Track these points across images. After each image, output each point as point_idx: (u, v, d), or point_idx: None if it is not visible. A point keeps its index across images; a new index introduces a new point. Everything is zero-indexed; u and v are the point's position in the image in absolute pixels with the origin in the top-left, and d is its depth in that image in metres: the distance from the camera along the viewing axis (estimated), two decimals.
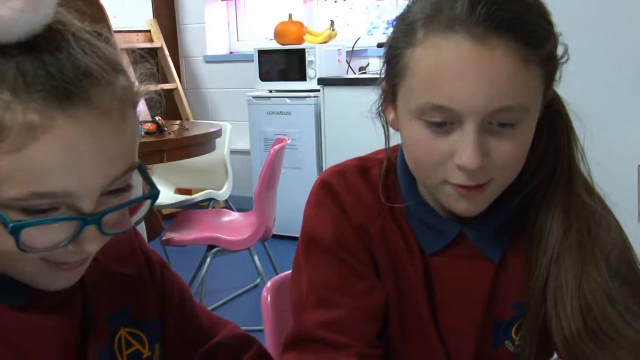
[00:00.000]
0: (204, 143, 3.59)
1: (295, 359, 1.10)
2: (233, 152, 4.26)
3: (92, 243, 0.83)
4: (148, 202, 0.90)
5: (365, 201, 1.15)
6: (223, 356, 1.13)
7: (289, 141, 3.51)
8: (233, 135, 4.24)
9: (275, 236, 3.62)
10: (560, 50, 1.03)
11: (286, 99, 4.87)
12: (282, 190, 3.47)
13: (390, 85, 1.03)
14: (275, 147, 3.36)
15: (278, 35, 5.19)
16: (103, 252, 0.89)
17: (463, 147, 0.96)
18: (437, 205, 1.11)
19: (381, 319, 1.14)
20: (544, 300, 1.09)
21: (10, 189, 0.77)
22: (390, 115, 1.08)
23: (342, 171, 1.18)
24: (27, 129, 0.74)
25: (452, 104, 0.95)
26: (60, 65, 0.77)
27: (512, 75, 0.95)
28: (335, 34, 5.11)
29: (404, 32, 0.99)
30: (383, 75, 1.06)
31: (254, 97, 5.03)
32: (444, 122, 0.97)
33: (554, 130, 1.10)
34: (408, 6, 1.01)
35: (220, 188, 4.05)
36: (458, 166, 0.98)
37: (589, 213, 1.09)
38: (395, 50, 1.00)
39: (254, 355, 1.14)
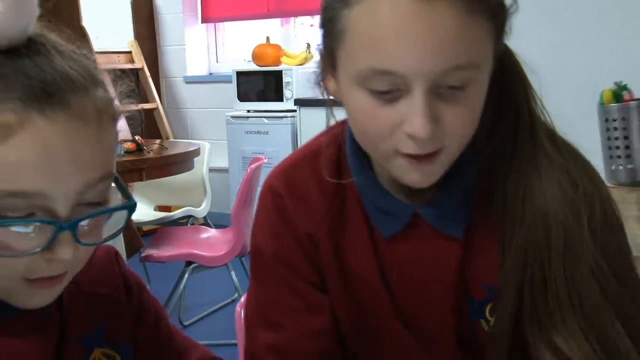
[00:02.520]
0: (182, 161, 3.63)
1: None
2: (212, 170, 4.29)
3: (67, 251, 0.81)
4: (124, 214, 0.88)
5: (313, 203, 1.08)
6: None
7: (265, 160, 3.52)
8: (212, 154, 4.29)
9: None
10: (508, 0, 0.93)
11: (264, 118, 4.89)
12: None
13: (329, 51, 0.94)
14: (252, 166, 3.37)
15: (256, 57, 5.22)
16: (83, 273, 0.89)
17: (412, 115, 0.87)
18: (391, 182, 1.04)
19: (330, 335, 1.10)
20: (522, 283, 0.99)
21: None
22: (331, 84, 0.99)
23: (287, 169, 1.12)
24: (3, 127, 0.74)
25: (395, 67, 0.85)
26: (39, 69, 0.77)
27: (459, 30, 0.84)
28: (312, 57, 5.13)
29: None
30: (321, 41, 0.96)
31: (233, 116, 5.05)
32: (389, 88, 0.88)
33: (508, 86, 1.00)
34: None
35: (199, 205, 4.06)
36: (408, 135, 0.89)
37: (563, 172, 0.99)
38: (330, 12, 0.90)
39: None
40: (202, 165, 4.10)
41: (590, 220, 0.97)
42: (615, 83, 2.67)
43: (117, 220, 0.89)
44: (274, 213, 1.10)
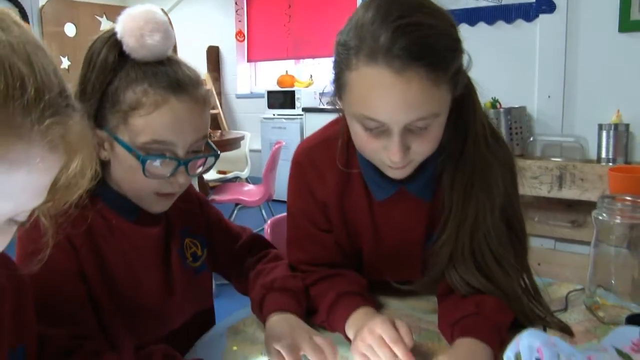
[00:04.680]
0: (234, 143, 3.58)
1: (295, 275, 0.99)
2: (251, 150, 4.25)
3: (182, 177, 0.83)
4: (213, 160, 0.89)
5: (327, 177, 0.98)
6: (248, 256, 1.07)
7: (283, 144, 3.53)
8: (251, 141, 4.22)
9: (274, 200, 3.54)
10: (465, 60, 0.83)
11: (283, 119, 4.86)
12: (279, 173, 3.49)
13: (337, 90, 0.86)
14: (276, 146, 3.39)
15: (279, 82, 5.19)
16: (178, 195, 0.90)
17: (390, 147, 0.82)
18: None
19: (334, 256, 1.02)
20: (453, 236, 0.93)
21: (142, 137, 0.79)
22: (339, 105, 0.89)
23: (311, 149, 1.01)
24: (154, 104, 0.78)
25: (378, 117, 0.79)
26: (174, 72, 0.81)
27: (425, 96, 0.76)
28: (313, 82, 5.13)
29: (342, 55, 0.80)
30: (332, 83, 0.87)
31: (264, 118, 5.01)
32: (375, 127, 0.81)
33: (462, 107, 0.89)
34: (346, 30, 0.80)
35: (243, 170, 4.03)
36: (388, 157, 0.84)
37: (487, 165, 0.91)
38: (338, 69, 0.82)
39: (271, 257, 1.05)
40: (245, 147, 4.06)
41: (500, 204, 0.92)
42: (492, 98, 2.71)
43: (208, 163, 0.90)
44: (299, 181, 1.02)
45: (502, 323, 0.86)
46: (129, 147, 0.80)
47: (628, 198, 1.13)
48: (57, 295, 0.77)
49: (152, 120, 0.78)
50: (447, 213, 0.93)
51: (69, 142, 0.49)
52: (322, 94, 4.92)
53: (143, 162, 0.80)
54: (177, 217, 0.96)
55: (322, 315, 0.95)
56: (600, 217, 1.24)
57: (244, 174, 4.03)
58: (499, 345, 0.83)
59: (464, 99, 0.88)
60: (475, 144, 0.90)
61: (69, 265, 0.81)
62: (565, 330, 0.92)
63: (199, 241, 1.01)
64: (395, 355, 0.79)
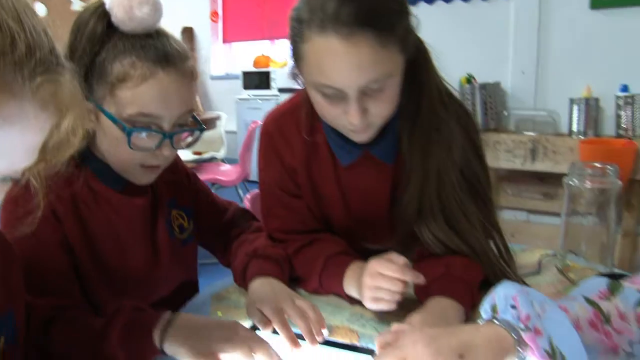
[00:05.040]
0: (210, 122, 3.59)
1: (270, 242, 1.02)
2: (226, 132, 4.23)
3: (167, 150, 0.84)
4: (198, 133, 0.90)
5: (294, 144, 1.00)
6: (233, 228, 1.08)
7: (259, 123, 3.50)
8: (226, 122, 4.20)
9: (251, 181, 3.57)
10: (414, 21, 0.86)
11: (258, 100, 4.83)
12: (255, 153, 3.47)
13: (295, 63, 0.88)
14: (252, 125, 3.37)
15: (255, 63, 5.14)
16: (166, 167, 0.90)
17: (349, 111, 0.84)
18: None
19: (307, 221, 1.03)
20: (417, 195, 0.95)
21: (129, 110, 0.79)
22: (300, 80, 0.92)
23: (277, 118, 1.04)
24: (141, 77, 0.78)
25: (333, 83, 0.81)
26: (162, 45, 0.81)
27: (375, 58, 0.79)
28: (287, 63, 5.10)
29: (296, 29, 0.82)
30: (291, 57, 0.89)
31: (240, 99, 4.98)
32: (332, 93, 0.84)
33: (416, 69, 0.91)
34: (298, 5, 0.83)
35: (219, 151, 4.02)
36: (347, 121, 0.86)
37: (444, 123, 0.94)
38: (293, 42, 0.84)
39: (254, 229, 1.07)
40: (221, 127, 4.04)
41: (459, 158, 0.95)
42: (467, 73, 2.74)
43: (193, 137, 0.90)
44: (268, 149, 1.04)
45: (472, 281, 0.89)
46: (114, 119, 0.80)
47: (597, 165, 1.18)
48: (41, 266, 0.77)
49: (139, 92, 0.79)
50: (408, 171, 0.96)
51: (61, 100, 0.49)
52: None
53: (129, 135, 0.80)
54: (164, 188, 0.97)
55: (314, 281, 0.96)
56: (571, 183, 1.29)
57: (220, 154, 4.00)
58: (469, 302, 0.85)
59: (417, 62, 0.90)
60: (430, 103, 0.93)
61: (52, 237, 0.81)
62: None
63: (186, 213, 1.01)
64: (403, 283, 0.83)
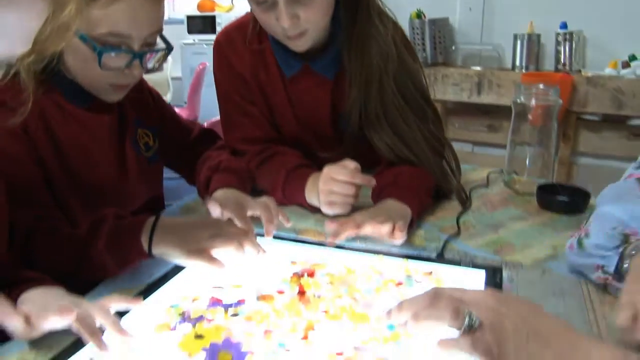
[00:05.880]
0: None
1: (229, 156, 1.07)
2: (172, 78, 4.14)
3: (137, 70, 0.86)
4: (165, 53, 0.91)
5: (242, 53, 1.08)
6: (198, 146, 1.12)
7: (207, 64, 3.45)
8: (171, 68, 4.13)
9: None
10: None
11: (204, 44, 4.71)
12: (204, 96, 3.42)
13: None
14: (200, 67, 3.30)
15: (199, 7, 4.98)
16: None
17: (280, 16, 0.91)
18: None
19: (265, 130, 1.10)
20: (360, 106, 1.03)
21: (99, 29, 0.79)
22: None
23: (228, 31, 1.11)
24: None
25: None
26: None
27: None
28: (233, 7, 4.97)
29: None
30: None
31: (184, 43, 4.84)
32: (263, 1, 0.92)
33: None
34: None
35: (165, 96, 3.94)
36: (281, 27, 0.94)
37: (379, 33, 1.01)
38: None
39: (218, 146, 1.12)
40: (167, 72, 3.99)
41: (395, 68, 1.02)
42: (417, 9, 2.77)
43: (161, 56, 0.91)
44: (220, 58, 1.10)
45: (418, 187, 0.97)
46: (85, 38, 0.80)
47: (541, 86, 1.28)
48: (16, 179, 0.78)
49: (109, 12, 0.79)
50: (350, 80, 1.02)
51: None
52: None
53: (99, 54, 0.81)
54: (130, 107, 0.99)
55: (277, 194, 1.01)
56: (518, 101, 1.39)
57: (167, 99, 3.92)
58: (415, 205, 0.93)
59: None
60: (366, 14, 1.00)
61: (23, 151, 0.83)
62: (462, 202, 1.06)
63: (151, 132, 1.04)
64: (355, 186, 0.91)
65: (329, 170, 0.93)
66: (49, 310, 0.59)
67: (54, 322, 0.60)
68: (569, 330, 0.51)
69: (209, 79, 4.81)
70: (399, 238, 0.86)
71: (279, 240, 0.91)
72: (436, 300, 0.55)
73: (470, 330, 0.52)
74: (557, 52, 2.65)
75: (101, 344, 0.59)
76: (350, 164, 0.93)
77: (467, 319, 0.52)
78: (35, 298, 0.63)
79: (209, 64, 3.87)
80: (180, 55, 4.91)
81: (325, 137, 1.11)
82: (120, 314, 0.67)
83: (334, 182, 0.92)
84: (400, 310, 0.57)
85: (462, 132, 2.66)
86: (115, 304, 0.64)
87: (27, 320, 0.59)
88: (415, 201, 0.93)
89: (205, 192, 0.99)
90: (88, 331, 0.59)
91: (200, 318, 0.68)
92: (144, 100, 1.04)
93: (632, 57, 2.47)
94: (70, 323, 0.60)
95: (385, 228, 0.84)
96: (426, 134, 1.04)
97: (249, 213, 0.87)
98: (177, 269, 0.80)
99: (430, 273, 0.81)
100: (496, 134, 2.63)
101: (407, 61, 1.05)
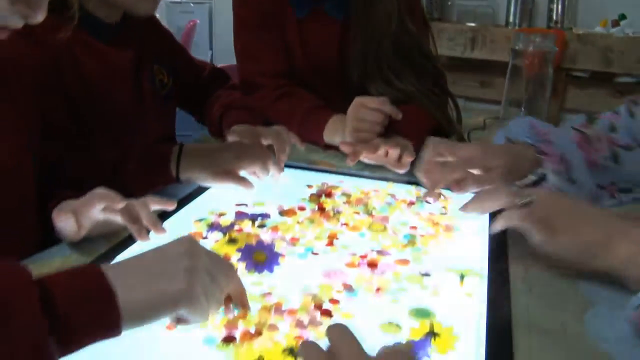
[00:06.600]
0: None
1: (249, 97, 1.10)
2: None
3: None
4: None
5: None
6: (210, 85, 1.13)
7: (198, 21, 3.42)
8: None
9: None
10: None
11: (191, 3, 4.63)
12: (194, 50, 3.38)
13: None
14: (190, 24, 3.27)
15: None
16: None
17: None
18: None
19: (284, 62, 1.12)
20: (363, 52, 1.07)
21: None
22: None
23: None
24: None
25: None
26: None
27: None
28: None
29: None
30: None
31: (171, 2, 4.74)
32: None
33: None
34: None
35: None
36: None
37: None
38: None
39: (229, 86, 1.13)
40: None
41: (405, 17, 1.07)
42: None
43: None
44: None
45: (419, 125, 1.02)
46: None
47: (539, 36, 1.35)
48: (46, 111, 0.78)
49: None
50: (353, 35, 1.06)
51: None
52: None
53: None
54: (148, 43, 0.99)
55: (292, 128, 1.00)
56: (517, 48, 1.44)
57: None
58: (419, 141, 0.95)
59: None
60: None
61: (53, 82, 0.82)
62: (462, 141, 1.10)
63: (166, 70, 1.04)
64: (383, 115, 0.94)
65: (360, 99, 0.97)
66: (94, 198, 0.62)
67: (98, 211, 0.62)
68: (611, 215, 0.62)
69: (198, 38, 4.75)
70: (406, 166, 0.91)
71: (294, 169, 0.95)
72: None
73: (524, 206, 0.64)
74: (550, 10, 2.68)
75: (142, 233, 0.63)
76: (380, 97, 0.97)
77: (525, 198, 0.65)
78: (75, 201, 0.65)
79: (200, 22, 3.81)
80: (166, 14, 4.83)
81: (332, 85, 1.14)
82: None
83: (364, 109, 0.95)
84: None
85: (455, 87, 2.68)
86: (153, 204, 0.67)
87: (75, 214, 0.62)
88: (417, 138, 0.97)
89: (217, 129, 1.01)
90: (131, 220, 0.62)
91: (231, 226, 0.73)
92: (160, 37, 1.05)
93: (622, 16, 2.52)
94: (114, 213, 0.62)
95: (395, 152, 0.90)
96: (425, 91, 1.07)
97: (263, 142, 0.90)
98: (200, 189, 0.84)
99: (440, 194, 0.85)
100: (488, 90, 2.68)
101: (408, 25, 1.08)
